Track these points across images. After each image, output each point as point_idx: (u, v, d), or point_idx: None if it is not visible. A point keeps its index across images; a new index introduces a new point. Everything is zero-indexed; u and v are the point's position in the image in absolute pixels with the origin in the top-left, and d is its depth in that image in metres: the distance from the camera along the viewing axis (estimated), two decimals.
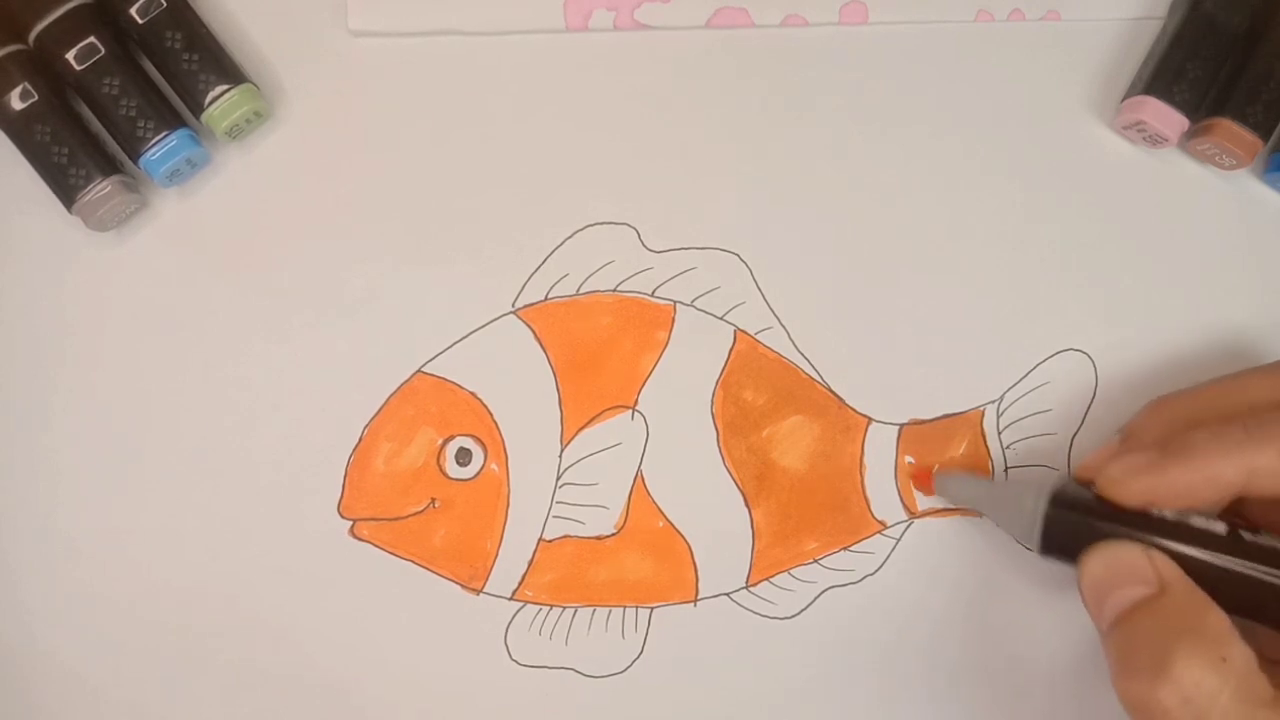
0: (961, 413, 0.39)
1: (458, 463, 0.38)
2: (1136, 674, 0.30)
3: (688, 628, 0.38)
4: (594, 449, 0.38)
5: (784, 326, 0.39)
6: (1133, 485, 0.32)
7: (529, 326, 0.39)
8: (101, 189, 0.37)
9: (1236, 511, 0.34)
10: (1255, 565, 0.31)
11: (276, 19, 0.39)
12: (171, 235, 0.39)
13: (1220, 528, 0.32)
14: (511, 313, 0.39)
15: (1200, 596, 0.31)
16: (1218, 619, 0.30)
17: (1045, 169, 0.39)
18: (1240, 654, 0.29)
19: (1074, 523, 0.33)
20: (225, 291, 0.39)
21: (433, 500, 0.38)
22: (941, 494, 0.38)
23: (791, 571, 0.38)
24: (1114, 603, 0.31)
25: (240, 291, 0.39)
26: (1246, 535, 0.32)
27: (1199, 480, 0.32)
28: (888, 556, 0.38)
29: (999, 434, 0.38)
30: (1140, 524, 0.32)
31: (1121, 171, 0.40)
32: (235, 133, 0.38)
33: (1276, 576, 0.31)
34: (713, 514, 0.38)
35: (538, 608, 0.38)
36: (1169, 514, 0.32)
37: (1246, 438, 0.32)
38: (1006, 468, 0.38)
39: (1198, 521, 0.32)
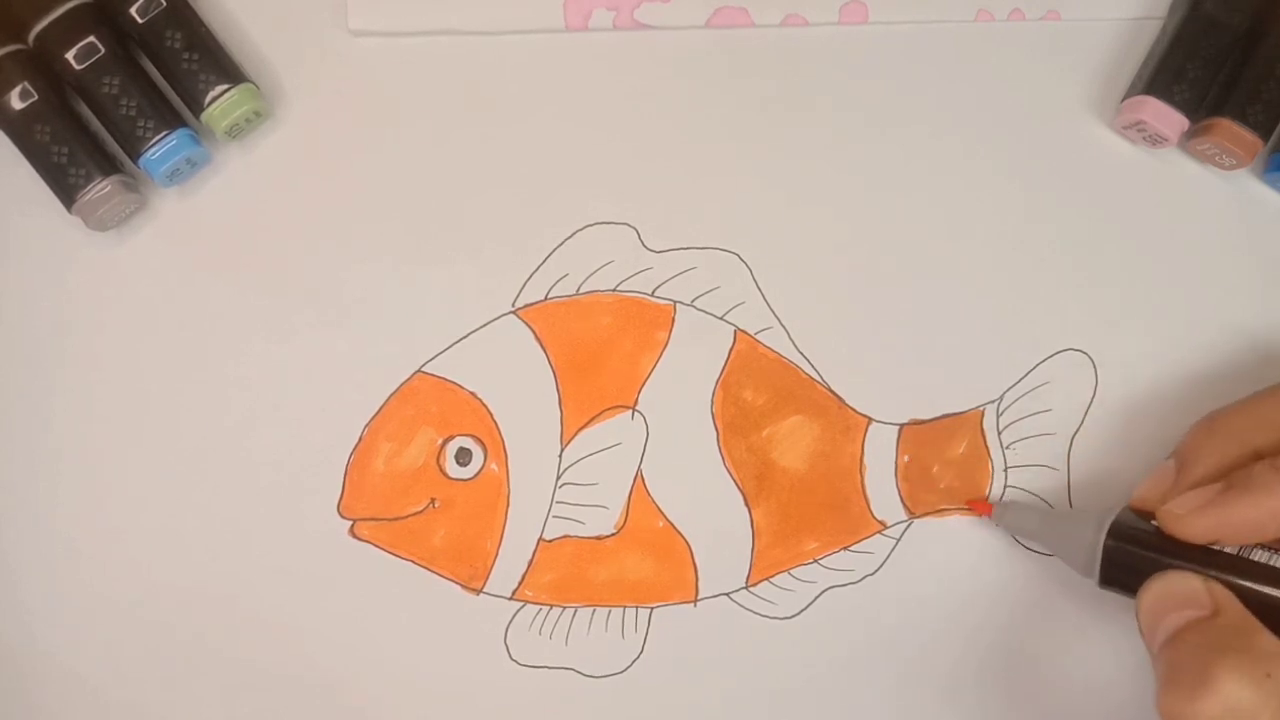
0: (961, 413, 0.39)
1: (458, 463, 0.38)
2: (1179, 689, 0.29)
3: (688, 628, 0.38)
4: (594, 449, 0.38)
5: (784, 326, 0.39)
6: (1196, 523, 0.32)
7: (529, 326, 0.38)
8: (101, 189, 0.37)
9: None
10: None
11: (276, 19, 0.39)
12: (171, 235, 0.39)
13: None
14: (511, 313, 0.39)
15: (1251, 619, 0.31)
16: (1268, 640, 0.30)
17: (1045, 169, 0.39)
18: None
19: (1134, 556, 0.33)
20: (225, 291, 0.39)
21: (433, 500, 0.38)
22: (1000, 523, 0.38)
23: (791, 571, 0.38)
24: (1167, 625, 0.31)
25: (240, 291, 0.39)
26: None
27: (1263, 516, 0.32)
28: (888, 556, 0.38)
29: (999, 434, 0.38)
30: (1201, 558, 0.32)
31: (1121, 171, 0.39)
32: (235, 132, 0.38)
33: None
34: (713, 514, 0.38)
35: (538, 608, 0.38)
36: (1230, 547, 0.32)
37: None
38: (1006, 467, 0.38)
39: (1260, 555, 0.32)
